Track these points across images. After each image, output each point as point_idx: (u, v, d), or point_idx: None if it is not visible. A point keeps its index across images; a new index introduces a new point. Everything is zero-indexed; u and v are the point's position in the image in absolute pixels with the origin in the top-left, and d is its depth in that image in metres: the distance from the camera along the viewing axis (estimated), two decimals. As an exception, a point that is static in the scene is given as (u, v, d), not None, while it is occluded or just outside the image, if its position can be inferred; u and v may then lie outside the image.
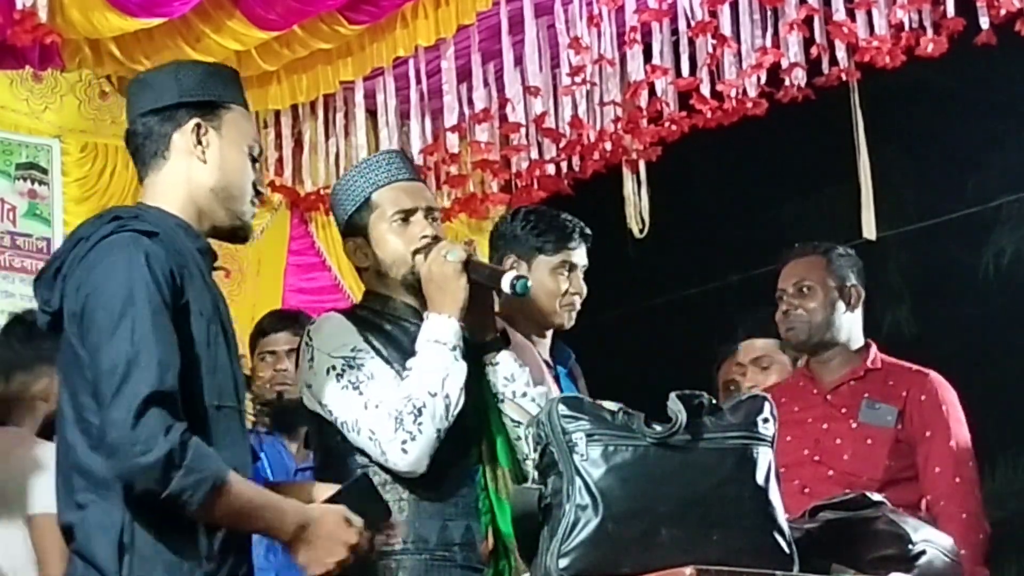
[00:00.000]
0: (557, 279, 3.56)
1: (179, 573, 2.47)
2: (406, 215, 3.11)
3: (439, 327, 2.97)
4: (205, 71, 2.78)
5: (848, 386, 4.04)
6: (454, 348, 2.96)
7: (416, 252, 3.08)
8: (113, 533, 2.46)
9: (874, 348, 4.12)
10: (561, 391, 3.44)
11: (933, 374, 4.08)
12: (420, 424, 2.91)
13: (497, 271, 3.13)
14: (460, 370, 2.96)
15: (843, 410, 4.00)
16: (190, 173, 2.68)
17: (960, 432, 3.99)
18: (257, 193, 2.75)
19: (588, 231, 3.64)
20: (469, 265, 3.04)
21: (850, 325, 4.10)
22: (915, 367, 4.08)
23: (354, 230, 3.16)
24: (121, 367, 2.42)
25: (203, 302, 2.59)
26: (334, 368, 3.01)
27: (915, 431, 3.95)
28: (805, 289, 4.07)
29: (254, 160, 2.74)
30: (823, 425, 3.98)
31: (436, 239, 3.10)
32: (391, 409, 2.92)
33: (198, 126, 2.68)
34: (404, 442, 2.92)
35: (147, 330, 2.45)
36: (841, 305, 4.08)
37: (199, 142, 2.67)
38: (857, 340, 4.11)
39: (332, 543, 2.53)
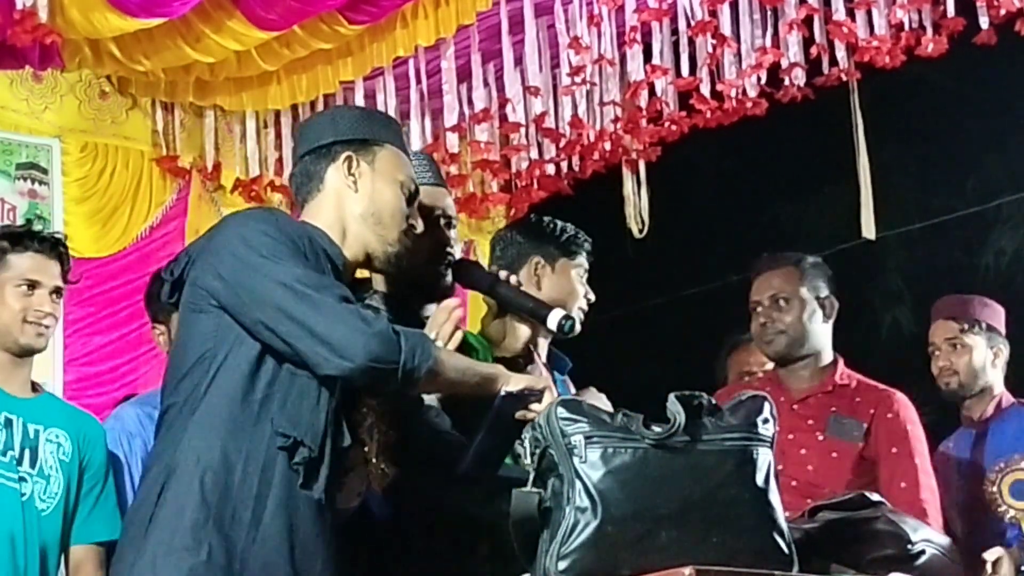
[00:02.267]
0: (579, 284, 3.53)
1: (235, 538, 2.56)
2: (424, 221, 3.10)
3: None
4: (362, 113, 3.00)
5: (816, 398, 4.10)
6: None
7: (429, 263, 3.07)
8: (182, 496, 2.56)
9: (842, 363, 4.18)
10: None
11: (898, 393, 4.17)
12: None
13: (542, 305, 3.12)
14: None
15: (809, 421, 4.05)
16: (341, 200, 2.82)
17: (923, 450, 4.09)
18: (410, 227, 2.85)
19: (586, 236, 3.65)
20: (506, 293, 3.08)
21: (824, 336, 4.17)
22: (881, 386, 4.17)
23: None
24: (295, 289, 2.59)
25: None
26: None
27: (880, 448, 4.02)
28: (782, 301, 4.13)
29: (410, 198, 2.86)
30: (788, 435, 3.98)
31: (451, 248, 3.11)
32: None
33: (349, 158, 2.82)
34: None
35: (297, 261, 2.63)
36: (818, 316, 4.15)
37: (350, 173, 2.81)
38: (828, 352, 4.18)
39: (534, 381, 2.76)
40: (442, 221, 3.11)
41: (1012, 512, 4.25)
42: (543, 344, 3.64)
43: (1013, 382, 4.74)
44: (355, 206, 2.81)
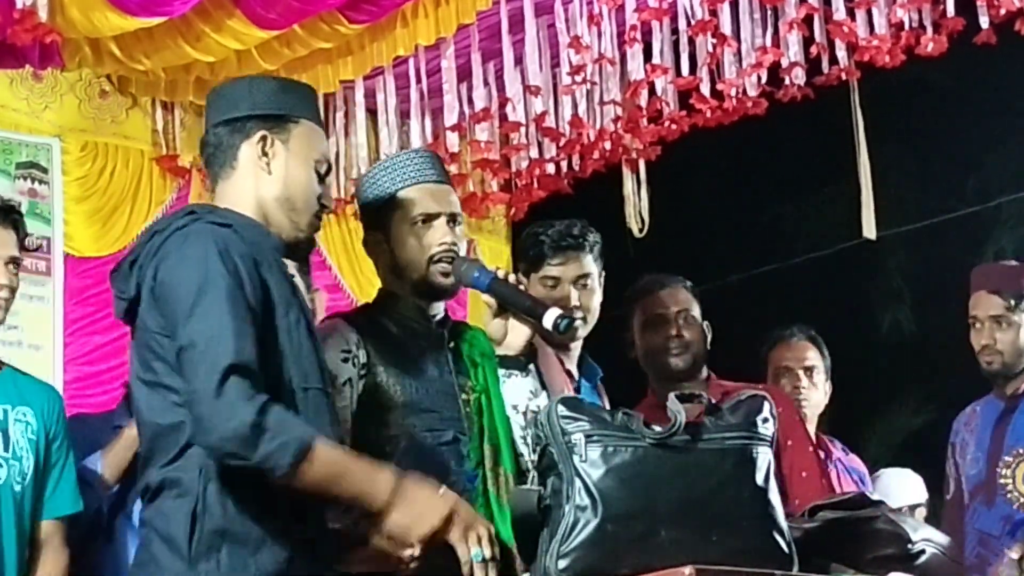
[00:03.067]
0: (550, 292, 3.56)
1: (243, 553, 2.50)
2: (428, 218, 3.09)
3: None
4: (278, 85, 2.86)
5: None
6: None
7: (431, 259, 3.08)
8: (187, 505, 2.50)
9: (713, 375, 4.09)
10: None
11: (774, 388, 4.24)
12: None
13: (539, 304, 3.11)
14: None
15: None
16: (256, 183, 2.74)
17: (810, 439, 4.16)
18: (322, 207, 2.79)
19: (570, 240, 3.63)
20: (505, 292, 3.06)
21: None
22: (759, 386, 4.06)
23: (376, 225, 3.14)
24: (200, 343, 2.47)
25: (281, 289, 2.64)
26: None
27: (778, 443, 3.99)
28: (690, 319, 4.03)
29: (322, 176, 2.79)
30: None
31: (455, 246, 3.09)
32: None
33: (264, 138, 2.73)
34: None
35: (224, 308, 2.50)
36: (706, 338, 4.07)
37: (264, 153, 2.73)
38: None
39: (429, 508, 2.50)
40: (447, 219, 3.11)
41: (1021, 500, 4.23)
42: (575, 349, 3.65)
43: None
44: (270, 188, 2.73)
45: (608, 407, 3.58)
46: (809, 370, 4.76)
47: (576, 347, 3.69)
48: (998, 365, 4.39)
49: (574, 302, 3.59)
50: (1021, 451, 4.25)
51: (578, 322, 3.54)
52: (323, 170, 2.79)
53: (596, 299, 3.69)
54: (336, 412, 2.75)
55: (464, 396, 3.05)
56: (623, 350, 4.11)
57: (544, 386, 3.18)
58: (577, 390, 3.57)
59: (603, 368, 3.80)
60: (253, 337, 2.51)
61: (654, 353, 4.03)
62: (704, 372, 4.07)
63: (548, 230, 3.69)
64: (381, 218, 3.12)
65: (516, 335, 3.11)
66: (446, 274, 3.08)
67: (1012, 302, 4.38)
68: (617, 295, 3.96)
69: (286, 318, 2.62)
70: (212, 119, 2.80)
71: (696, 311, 4.05)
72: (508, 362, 3.10)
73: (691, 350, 4.00)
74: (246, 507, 2.52)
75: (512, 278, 3.13)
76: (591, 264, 3.67)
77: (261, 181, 2.74)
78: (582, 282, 3.65)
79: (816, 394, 4.74)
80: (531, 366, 3.14)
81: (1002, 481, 4.24)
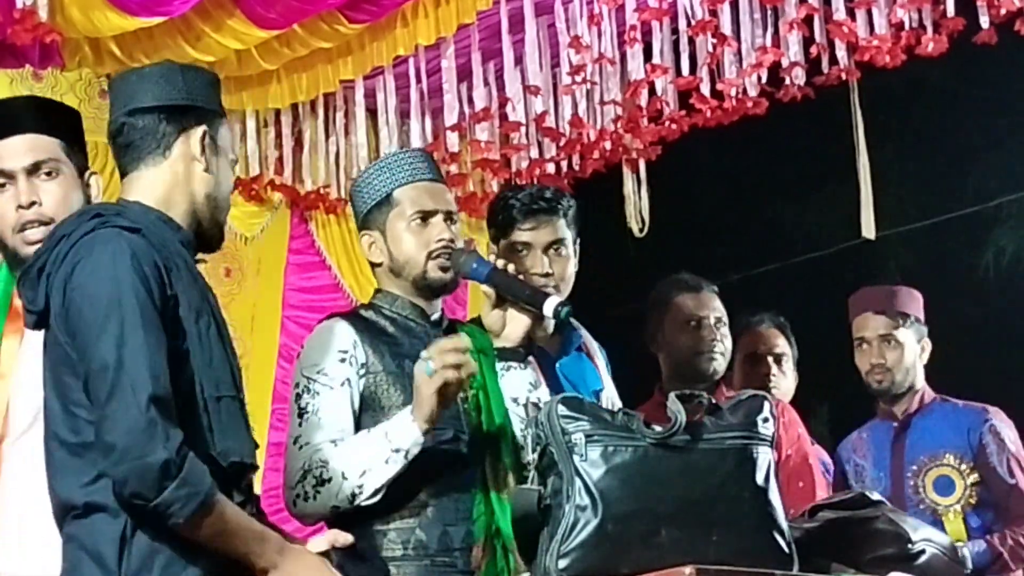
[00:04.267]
0: (519, 260, 3.39)
1: (176, 568, 2.46)
2: (425, 216, 3.10)
3: (400, 428, 2.92)
4: (207, 78, 2.78)
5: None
6: (397, 450, 2.91)
7: (430, 255, 3.08)
8: (117, 526, 2.44)
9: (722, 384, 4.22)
10: (558, 385, 3.40)
11: (783, 403, 4.22)
12: (318, 492, 2.93)
13: (539, 293, 3.09)
14: (387, 472, 2.90)
15: None
16: (189, 177, 2.67)
17: (810, 447, 4.19)
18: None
19: (542, 204, 3.47)
20: (504, 282, 3.05)
21: None
22: (757, 392, 4.10)
23: (371, 225, 3.15)
24: (112, 368, 2.40)
25: (191, 294, 2.57)
26: (297, 385, 3.05)
27: (779, 452, 4.00)
28: (723, 325, 4.16)
29: (233, 172, 2.78)
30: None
31: (452, 243, 3.10)
32: (306, 460, 2.94)
33: (205, 134, 2.68)
34: (299, 496, 2.95)
35: (137, 330, 2.43)
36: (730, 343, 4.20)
37: (204, 151, 2.68)
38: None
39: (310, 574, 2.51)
40: (443, 217, 3.11)
41: (936, 507, 4.28)
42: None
43: (1013, 377, 4.73)
44: (202, 186, 2.67)
45: (604, 361, 3.55)
46: (779, 357, 4.77)
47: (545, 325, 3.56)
48: (887, 383, 4.51)
49: (545, 269, 3.43)
50: (925, 459, 4.33)
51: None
52: (235, 168, 2.79)
53: (571, 267, 3.50)
54: (247, 417, 2.65)
55: (462, 393, 3.06)
56: (628, 349, 4.12)
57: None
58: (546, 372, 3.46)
59: (611, 365, 3.67)
60: (165, 359, 2.44)
61: (689, 355, 4.12)
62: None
63: (518, 194, 3.54)
64: (377, 218, 3.13)
65: (515, 326, 3.10)
66: (445, 268, 3.09)
67: (899, 321, 4.51)
68: (617, 295, 3.96)
69: (196, 325, 2.54)
70: (138, 101, 2.66)
71: (725, 316, 4.19)
72: (507, 354, 3.10)
73: (726, 357, 4.14)
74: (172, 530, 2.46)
75: (512, 268, 3.13)
76: (564, 229, 3.49)
77: (196, 177, 2.66)
78: (555, 248, 3.46)
79: (785, 382, 4.76)
80: (530, 358, 3.14)
81: (911, 493, 4.30)
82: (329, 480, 2.91)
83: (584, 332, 3.59)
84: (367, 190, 3.16)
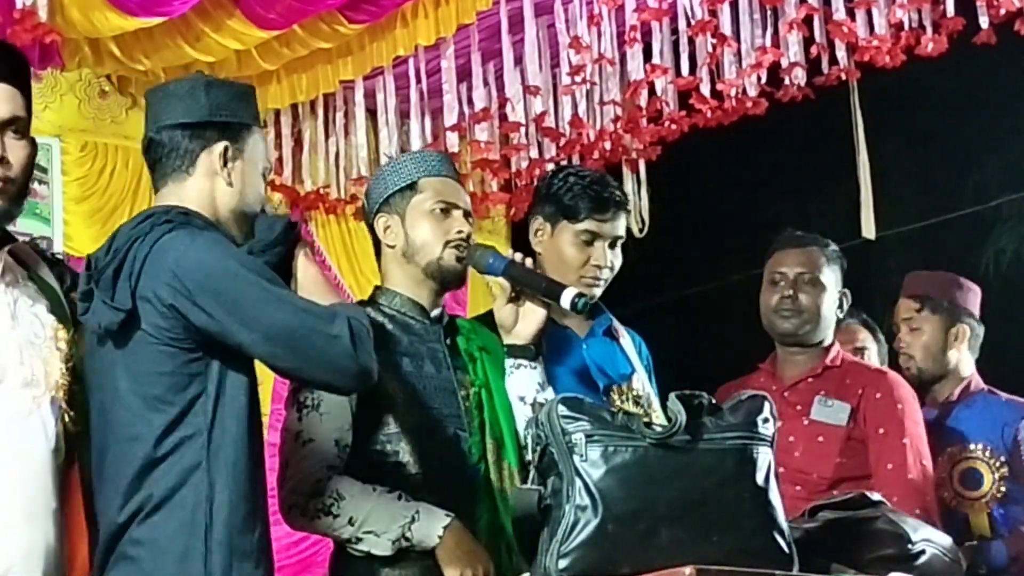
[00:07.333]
0: (576, 249, 3.38)
1: (249, 563, 2.55)
2: (448, 207, 3.12)
3: (426, 527, 2.91)
4: (234, 91, 2.81)
5: (805, 383, 4.00)
6: (408, 540, 2.90)
7: (447, 244, 3.10)
8: (199, 518, 2.53)
9: (837, 346, 4.08)
10: (584, 368, 3.38)
11: (892, 373, 4.08)
12: (318, 518, 2.93)
13: (557, 285, 3.08)
14: (388, 549, 2.91)
15: (798, 407, 3.95)
16: (214, 192, 2.72)
17: (915, 431, 3.95)
18: (262, 211, 2.80)
19: (622, 200, 3.45)
20: (521, 275, 3.05)
21: (832, 327, 4.07)
22: (873, 365, 4.06)
23: (391, 208, 3.15)
24: (295, 324, 2.52)
25: None
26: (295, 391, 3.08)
27: (868, 429, 3.91)
28: (808, 278, 4.00)
29: (265, 180, 2.81)
30: (777, 423, 3.95)
31: (470, 238, 3.12)
32: (321, 478, 2.95)
33: (227, 149, 2.71)
34: (295, 506, 2.95)
35: (281, 286, 2.58)
36: (837, 308, 4.04)
37: (226, 165, 2.71)
38: (828, 341, 4.07)
39: None
40: (463, 213, 3.14)
41: (962, 499, 4.24)
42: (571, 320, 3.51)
43: (1012, 377, 4.70)
44: (227, 199, 2.72)
45: (630, 345, 3.50)
46: (859, 351, 4.68)
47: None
48: (913, 369, 4.40)
49: (608, 263, 3.39)
50: (954, 449, 4.28)
51: (596, 287, 3.39)
52: (269, 175, 2.83)
53: (619, 263, 3.48)
54: None
55: (463, 391, 3.06)
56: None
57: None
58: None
59: (657, 355, 3.66)
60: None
61: (766, 313, 4.04)
62: (825, 339, 4.03)
63: (584, 179, 3.45)
64: (399, 202, 3.14)
65: (527, 323, 3.09)
66: (460, 258, 3.10)
67: (920, 306, 4.44)
68: (617, 295, 3.95)
69: None
70: (164, 119, 2.73)
71: (825, 275, 4.00)
72: (517, 351, 3.09)
73: (803, 315, 3.98)
74: (245, 522, 2.57)
75: (529, 262, 3.14)
76: (623, 227, 3.46)
77: (220, 191, 2.72)
78: (617, 243, 3.44)
79: None
80: (540, 357, 3.13)
81: (937, 482, 4.22)
82: (335, 516, 2.92)
83: (613, 318, 3.56)
84: (392, 176, 3.17)
